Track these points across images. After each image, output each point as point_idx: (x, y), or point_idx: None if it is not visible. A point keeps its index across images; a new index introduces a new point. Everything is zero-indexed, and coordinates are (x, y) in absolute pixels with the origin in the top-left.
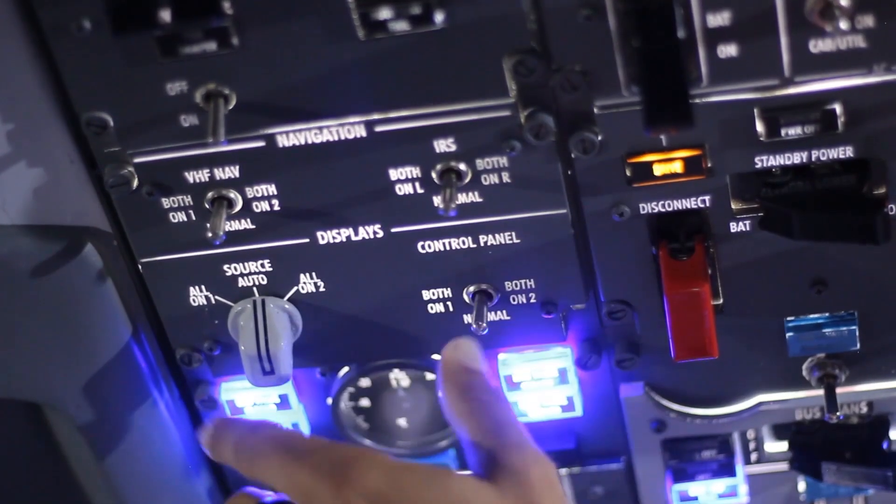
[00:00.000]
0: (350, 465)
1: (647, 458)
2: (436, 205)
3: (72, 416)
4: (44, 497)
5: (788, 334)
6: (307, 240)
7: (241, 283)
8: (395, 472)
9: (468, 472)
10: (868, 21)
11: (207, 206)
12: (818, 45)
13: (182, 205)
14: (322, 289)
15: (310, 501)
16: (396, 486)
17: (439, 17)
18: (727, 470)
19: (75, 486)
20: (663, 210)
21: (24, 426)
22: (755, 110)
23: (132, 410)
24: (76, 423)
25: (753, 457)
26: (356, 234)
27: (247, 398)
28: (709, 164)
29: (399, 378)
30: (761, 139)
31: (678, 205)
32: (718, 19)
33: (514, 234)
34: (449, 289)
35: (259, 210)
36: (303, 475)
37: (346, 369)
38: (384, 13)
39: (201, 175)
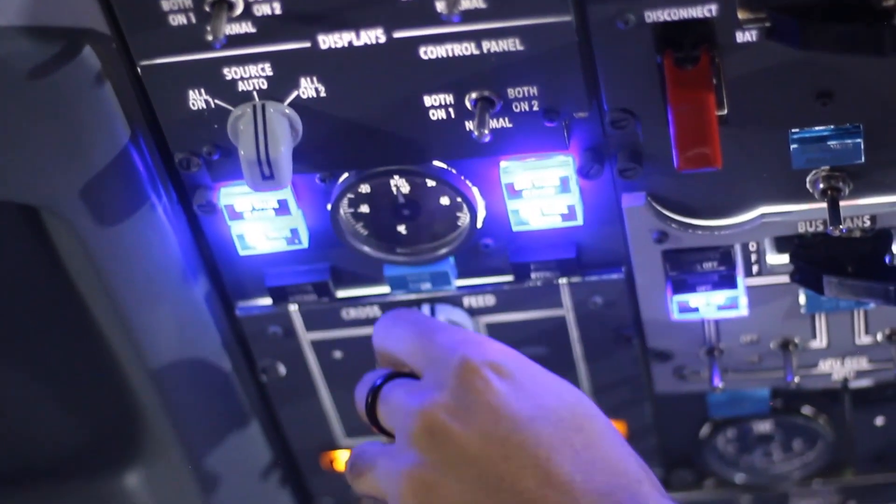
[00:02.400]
0: (474, 342)
1: (647, 269)
2: (438, 10)
3: (69, 219)
4: (40, 302)
5: (793, 146)
6: (308, 44)
7: (241, 87)
8: (511, 351)
9: None
10: None
11: (208, 8)
12: None
13: (182, 7)
14: (323, 94)
15: (436, 367)
16: (512, 358)
17: None
18: (728, 282)
19: (72, 291)
20: (669, 19)
21: (22, 230)
22: None
23: (130, 214)
24: (73, 227)
25: (755, 269)
26: (358, 38)
27: (245, 203)
28: None
29: (399, 185)
30: None
31: (684, 13)
32: None
33: (517, 40)
34: (451, 95)
35: (260, 13)
36: (434, 347)
37: (345, 175)
38: None
39: None
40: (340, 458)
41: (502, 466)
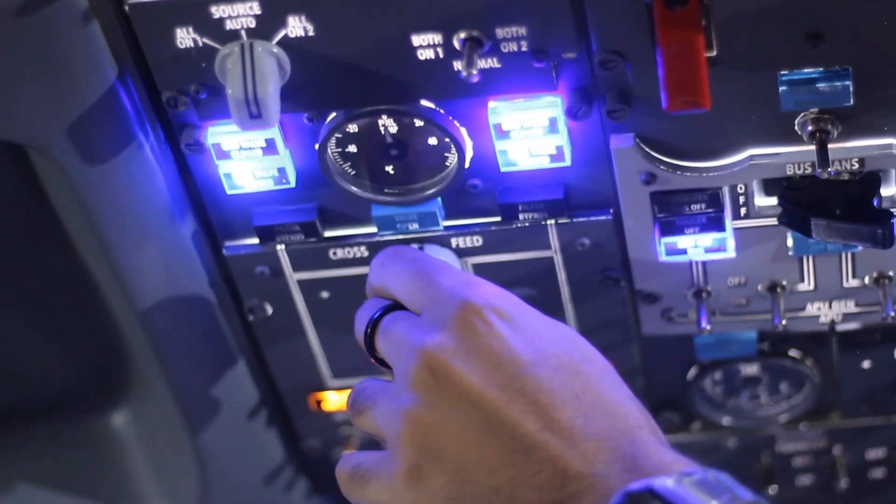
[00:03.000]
0: (474, 284)
1: (635, 211)
2: None
3: (56, 158)
4: (28, 241)
5: (782, 88)
6: None
7: (229, 25)
8: (510, 295)
9: None
10: None
11: None
12: None
13: None
14: (311, 33)
15: (436, 306)
16: (512, 302)
17: None
18: (716, 224)
19: (59, 230)
20: None
21: (9, 169)
22: None
23: (117, 153)
24: (61, 166)
25: (742, 211)
26: None
27: (233, 142)
28: None
29: (387, 124)
30: None
31: None
32: None
33: None
34: (439, 34)
35: None
36: (434, 287)
37: (333, 115)
38: None
39: None
40: (328, 399)
41: (503, 410)
